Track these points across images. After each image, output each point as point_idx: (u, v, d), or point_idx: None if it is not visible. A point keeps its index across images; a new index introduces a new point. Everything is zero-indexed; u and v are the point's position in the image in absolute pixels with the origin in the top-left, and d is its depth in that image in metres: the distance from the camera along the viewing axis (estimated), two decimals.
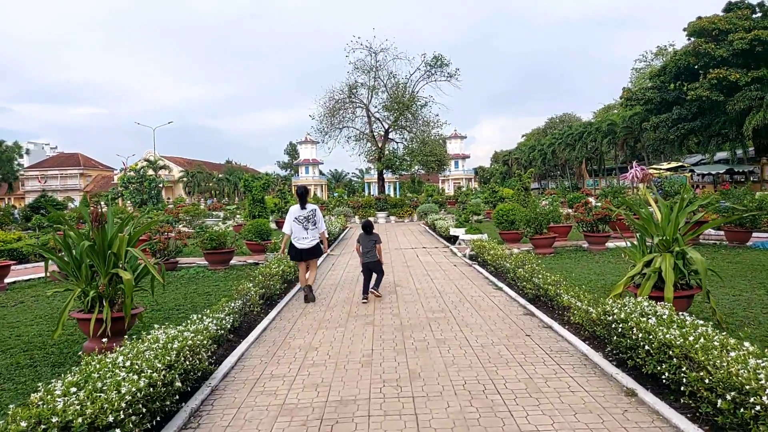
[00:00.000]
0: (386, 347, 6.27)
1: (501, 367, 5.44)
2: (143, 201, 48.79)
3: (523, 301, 8.51)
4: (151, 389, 3.95)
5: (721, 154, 43.81)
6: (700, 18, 37.62)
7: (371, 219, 10.61)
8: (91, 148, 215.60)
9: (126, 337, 5.90)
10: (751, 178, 37.18)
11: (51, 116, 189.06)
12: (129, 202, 49.31)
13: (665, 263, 6.37)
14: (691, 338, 4.23)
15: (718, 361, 3.77)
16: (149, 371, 4.06)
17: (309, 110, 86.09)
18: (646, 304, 5.36)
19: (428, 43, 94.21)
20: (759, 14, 37.72)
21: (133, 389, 3.69)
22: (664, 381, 4.44)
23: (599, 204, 19.27)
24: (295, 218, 9.46)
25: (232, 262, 14.47)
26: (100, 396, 3.52)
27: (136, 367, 4.10)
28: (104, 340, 5.17)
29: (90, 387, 3.64)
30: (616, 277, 10.26)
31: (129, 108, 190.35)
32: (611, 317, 5.37)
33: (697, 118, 37.38)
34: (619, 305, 5.48)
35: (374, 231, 9.80)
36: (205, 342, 5.23)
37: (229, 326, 6.57)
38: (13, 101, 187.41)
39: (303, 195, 9.70)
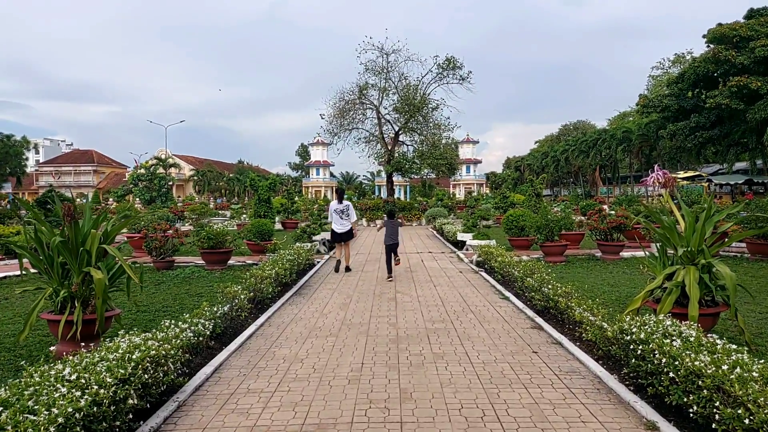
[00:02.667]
0: (378, 361, 5.71)
1: (504, 389, 4.86)
2: (152, 198, 48.66)
3: (530, 312, 7.91)
4: (95, 408, 3.42)
5: (740, 164, 42.73)
6: (720, 25, 36.68)
7: (393, 210, 13.14)
8: (106, 145, 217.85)
9: (92, 343, 5.38)
10: None
11: (68, 113, 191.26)
12: (138, 199, 49.17)
13: (689, 277, 5.76)
14: (724, 367, 3.63)
15: (762, 399, 3.17)
16: (96, 387, 3.53)
17: (320, 110, 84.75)
18: (669, 323, 4.76)
19: (438, 49, 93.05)
20: None
21: (70, 410, 3.17)
22: (691, 415, 3.83)
23: (613, 212, 18.56)
24: (334, 210, 12.66)
25: (231, 262, 13.98)
26: (27, 418, 3.00)
27: (83, 381, 3.57)
28: (52, 349, 4.65)
29: (18, 406, 3.12)
30: (631, 289, 9.63)
31: (145, 107, 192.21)
32: (629, 336, 4.77)
33: (715, 126, 36.38)
34: (638, 323, 4.88)
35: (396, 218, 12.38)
36: (173, 352, 4.70)
37: (208, 333, 6.04)
38: (31, 98, 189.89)
39: (341, 193, 13.07)
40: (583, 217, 19.93)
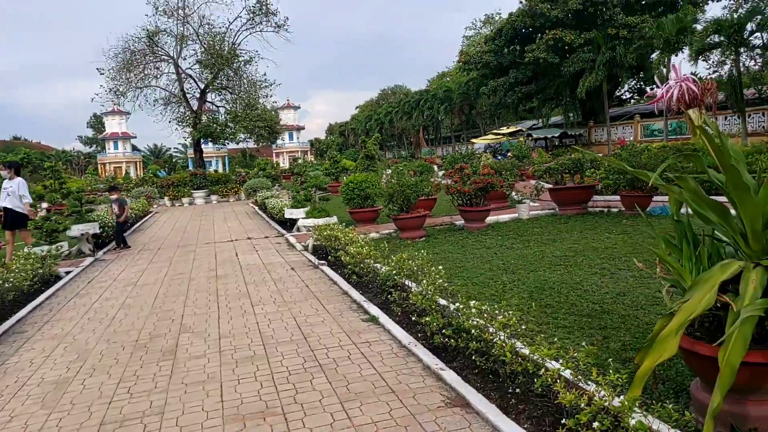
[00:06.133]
0: None
1: None
2: None
3: (424, 354, 4.33)
4: None
5: (555, 118, 44.68)
6: None
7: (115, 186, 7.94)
8: None
9: None
10: (581, 142, 38.05)
11: None
12: None
13: None
14: None
15: None
16: None
17: (96, 64, 62.92)
18: None
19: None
20: None
21: None
22: None
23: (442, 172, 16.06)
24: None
25: None
26: None
27: None
28: None
29: None
30: (534, 273, 6.62)
31: None
32: None
33: (532, 81, 36.86)
34: None
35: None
36: None
37: None
38: None
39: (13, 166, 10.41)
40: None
